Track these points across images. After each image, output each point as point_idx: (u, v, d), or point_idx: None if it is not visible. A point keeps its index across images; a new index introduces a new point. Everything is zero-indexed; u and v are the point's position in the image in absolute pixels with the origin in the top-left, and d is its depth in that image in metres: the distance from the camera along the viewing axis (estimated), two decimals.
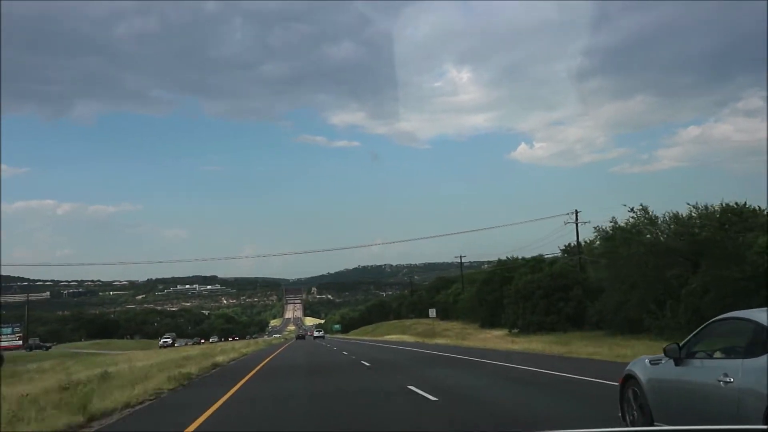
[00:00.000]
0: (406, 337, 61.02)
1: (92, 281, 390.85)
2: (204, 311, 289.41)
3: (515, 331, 46.80)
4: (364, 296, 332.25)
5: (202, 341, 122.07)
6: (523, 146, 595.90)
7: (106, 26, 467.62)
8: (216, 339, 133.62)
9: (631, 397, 7.28)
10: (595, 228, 40.70)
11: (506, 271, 58.16)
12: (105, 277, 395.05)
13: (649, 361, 7.11)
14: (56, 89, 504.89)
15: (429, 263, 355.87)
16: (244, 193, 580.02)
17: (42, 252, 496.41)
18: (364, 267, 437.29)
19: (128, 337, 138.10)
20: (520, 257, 60.17)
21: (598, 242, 43.98)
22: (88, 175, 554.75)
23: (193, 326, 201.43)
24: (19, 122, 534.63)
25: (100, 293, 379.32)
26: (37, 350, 77.50)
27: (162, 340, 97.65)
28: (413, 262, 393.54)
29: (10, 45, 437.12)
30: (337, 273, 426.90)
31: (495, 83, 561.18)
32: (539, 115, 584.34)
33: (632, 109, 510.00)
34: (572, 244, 53.65)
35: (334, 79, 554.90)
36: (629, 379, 7.36)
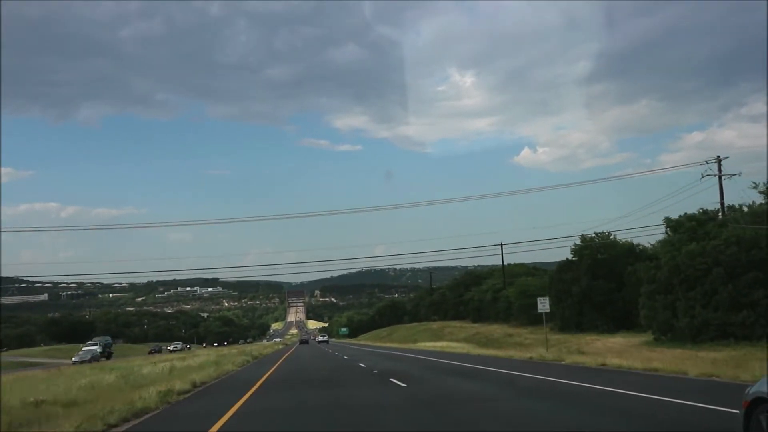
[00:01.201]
0: (456, 345, 43.27)
1: (92, 283, 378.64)
2: (203, 314, 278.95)
3: (663, 338, 29.03)
4: (368, 299, 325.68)
5: (171, 348, 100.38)
6: (526, 150, 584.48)
7: (111, 29, 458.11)
8: (179, 346, 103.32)
9: (765, 426, 5.49)
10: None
11: (597, 251, 40.81)
12: (105, 280, 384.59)
13: None
14: (62, 92, 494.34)
15: (435, 267, 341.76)
16: (248, 196, 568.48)
17: (44, 254, 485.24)
18: (367, 270, 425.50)
19: None
20: (609, 233, 42.14)
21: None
22: (93, 178, 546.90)
23: (187, 329, 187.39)
24: (24, 125, 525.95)
25: (100, 295, 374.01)
26: None
27: (83, 350, 63.66)
28: (417, 267, 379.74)
29: (16, 47, 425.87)
30: (340, 276, 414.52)
31: (499, 88, 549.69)
32: (543, 120, 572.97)
33: (636, 114, 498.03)
34: (702, 210, 36.04)
35: (338, 82, 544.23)
36: (761, 403, 5.60)
